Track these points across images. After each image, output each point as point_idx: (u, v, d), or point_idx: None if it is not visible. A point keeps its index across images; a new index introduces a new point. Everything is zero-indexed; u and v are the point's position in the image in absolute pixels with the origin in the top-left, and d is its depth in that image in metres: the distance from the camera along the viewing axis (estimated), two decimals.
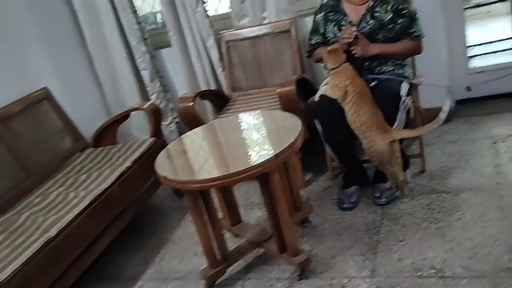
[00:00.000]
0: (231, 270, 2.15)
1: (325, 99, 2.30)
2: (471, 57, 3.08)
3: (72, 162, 2.76)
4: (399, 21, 2.31)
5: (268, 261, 2.16)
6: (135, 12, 3.24)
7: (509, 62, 2.96)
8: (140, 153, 2.62)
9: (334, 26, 2.40)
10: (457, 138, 2.78)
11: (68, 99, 3.06)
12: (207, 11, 3.09)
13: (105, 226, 2.27)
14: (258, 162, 1.75)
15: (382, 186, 2.38)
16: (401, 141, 2.31)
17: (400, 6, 2.30)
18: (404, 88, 2.31)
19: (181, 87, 3.39)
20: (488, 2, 3.29)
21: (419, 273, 1.86)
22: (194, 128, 2.34)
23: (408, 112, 2.27)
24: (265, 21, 3.01)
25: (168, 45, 3.30)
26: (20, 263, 1.85)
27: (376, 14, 2.31)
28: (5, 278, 1.78)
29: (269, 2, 2.95)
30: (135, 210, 2.52)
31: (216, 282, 2.10)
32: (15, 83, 2.84)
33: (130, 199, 2.47)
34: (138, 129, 3.47)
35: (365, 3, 2.34)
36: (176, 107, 3.19)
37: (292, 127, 1.96)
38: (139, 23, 3.25)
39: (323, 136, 2.36)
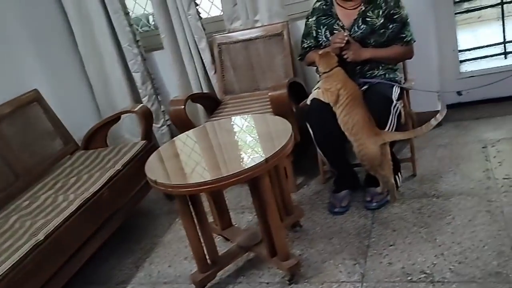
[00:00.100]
0: (222, 274, 2.14)
1: (317, 102, 2.30)
2: (462, 61, 3.10)
3: (62, 165, 2.73)
4: (391, 26, 2.32)
5: (259, 265, 2.15)
6: (127, 14, 3.22)
7: (500, 67, 2.98)
8: (131, 156, 2.60)
9: (326, 30, 2.40)
10: (447, 142, 2.80)
11: (58, 101, 3.04)
12: (199, 14, 3.09)
13: (94, 230, 2.25)
14: (248, 166, 1.75)
15: (373, 190, 2.38)
16: (392, 145, 2.32)
17: (392, 11, 2.30)
18: (395, 92, 2.33)
19: (173, 90, 3.38)
20: (479, 7, 3.32)
21: (409, 278, 1.86)
22: (186, 131, 2.33)
23: (399, 116, 2.28)
24: (257, 24, 3.00)
25: (160, 47, 3.28)
26: (8, 267, 1.83)
27: (368, 19, 2.31)
28: None
29: (261, 5, 2.95)
30: (125, 214, 2.50)
31: (206, 286, 2.09)
32: (4, 85, 2.81)
33: (120, 202, 2.45)
34: (129, 131, 3.46)
35: (357, 7, 2.35)
36: (168, 110, 3.18)
37: (283, 131, 1.96)
38: (130, 25, 3.24)
39: (315, 140, 2.36)
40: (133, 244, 2.59)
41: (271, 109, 2.51)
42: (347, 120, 2.18)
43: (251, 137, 2.14)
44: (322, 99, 2.26)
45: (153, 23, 3.55)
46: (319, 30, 2.42)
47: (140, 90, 3.37)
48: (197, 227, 2.02)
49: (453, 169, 2.51)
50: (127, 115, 3.12)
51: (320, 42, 2.44)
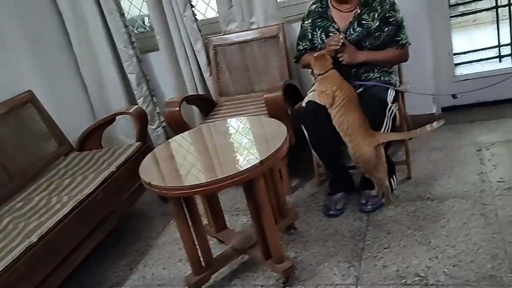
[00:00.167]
0: (216, 276, 2.13)
1: (312, 105, 2.30)
2: (457, 64, 3.11)
3: (56, 166, 2.72)
4: (386, 29, 2.32)
5: (253, 268, 2.15)
6: (122, 15, 3.21)
7: (494, 70, 3.00)
8: (125, 157, 2.59)
9: (321, 32, 2.40)
10: (442, 145, 2.80)
11: (53, 102, 3.02)
12: (195, 15, 3.08)
13: (88, 232, 2.24)
14: (243, 169, 1.74)
15: (368, 193, 2.38)
16: (387, 147, 2.33)
17: (387, 14, 2.31)
18: (390, 95, 2.33)
19: (168, 91, 3.37)
20: (474, 10, 3.33)
21: (404, 281, 1.86)
22: (181, 133, 2.32)
23: (394, 118, 2.28)
24: (253, 26, 3.01)
25: (155, 48, 3.28)
26: (0, 269, 1.81)
27: (363, 22, 2.32)
28: None
29: (257, 8, 2.95)
30: (120, 216, 2.49)
31: None
32: None
33: (114, 204, 2.44)
34: (124, 133, 3.45)
35: (353, 10, 2.35)
36: (163, 111, 3.17)
37: (278, 133, 1.95)
38: (126, 26, 3.23)
39: (310, 142, 2.36)
40: (127, 246, 2.57)
41: (266, 111, 2.50)
42: (342, 121, 2.19)
43: (246, 139, 2.14)
44: (318, 101, 2.26)
45: (148, 24, 3.55)
46: (315, 33, 2.43)
47: (135, 92, 3.36)
48: (192, 229, 2.02)
49: (447, 172, 2.52)
50: (122, 117, 3.11)
51: (316, 44, 2.44)
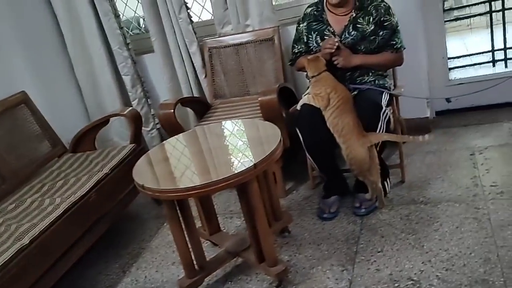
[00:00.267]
0: (209, 279, 2.13)
1: (307, 108, 2.30)
2: (451, 69, 3.12)
3: (49, 168, 2.70)
4: (381, 33, 2.33)
5: (246, 271, 2.14)
6: (117, 16, 3.20)
7: (488, 75, 3.01)
8: (119, 159, 2.58)
9: (317, 35, 2.41)
10: (436, 149, 2.81)
11: (46, 103, 3.01)
12: (190, 17, 3.08)
13: (81, 234, 2.22)
14: (237, 172, 1.74)
15: (362, 196, 2.39)
16: (380, 150, 2.33)
17: (382, 18, 2.32)
18: (385, 98, 2.34)
19: (163, 93, 3.36)
20: (468, 15, 3.35)
21: (396, 285, 1.86)
22: (175, 135, 2.31)
23: (388, 122, 2.29)
24: (248, 29, 3.00)
25: (150, 50, 3.27)
26: None
27: (359, 26, 2.32)
28: None
29: (252, 10, 2.95)
30: (113, 218, 2.47)
31: None
32: None
33: (107, 206, 2.42)
34: (118, 135, 3.44)
35: (348, 14, 2.35)
36: (157, 113, 3.16)
37: (272, 136, 1.95)
38: (121, 27, 3.22)
39: (304, 145, 2.36)
40: (121, 249, 2.56)
41: (261, 114, 2.50)
42: (336, 122, 2.19)
43: (240, 141, 2.13)
44: (313, 104, 2.26)
45: (143, 26, 3.54)
46: (310, 36, 2.43)
47: (129, 93, 3.35)
48: (185, 232, 2.01)
49: (441, 175, 2.52)
50: (116, 118, 3.10)
51: (311, 47, 2.45)
